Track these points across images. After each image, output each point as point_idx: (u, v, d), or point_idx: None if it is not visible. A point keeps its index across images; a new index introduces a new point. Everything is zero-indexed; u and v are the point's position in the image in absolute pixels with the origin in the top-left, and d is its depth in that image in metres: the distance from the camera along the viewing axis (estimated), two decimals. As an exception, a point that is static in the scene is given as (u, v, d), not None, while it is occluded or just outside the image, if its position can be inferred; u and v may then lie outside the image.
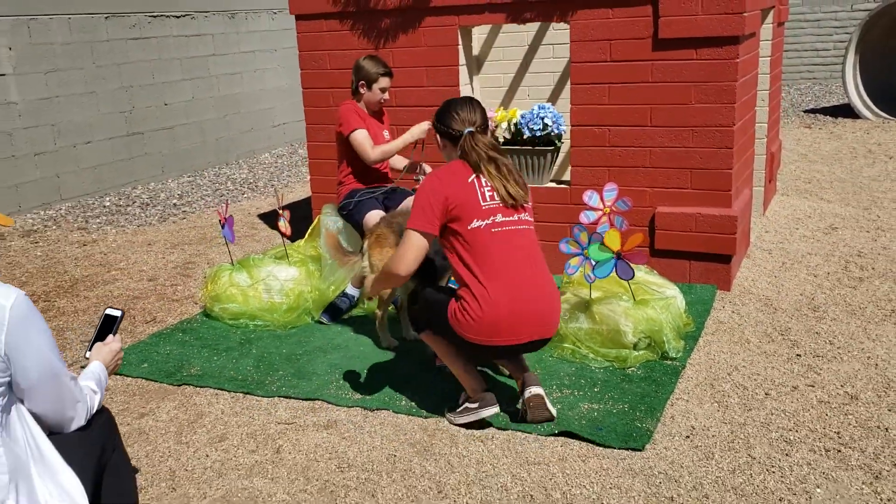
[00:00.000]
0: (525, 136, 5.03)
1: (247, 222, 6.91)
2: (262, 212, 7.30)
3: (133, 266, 5.73)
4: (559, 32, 7.10)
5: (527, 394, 3.24)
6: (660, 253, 4.74)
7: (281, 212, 4.77)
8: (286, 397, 3.62)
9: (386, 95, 4.69)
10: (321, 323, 4.51)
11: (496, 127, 5.08)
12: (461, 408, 3.28)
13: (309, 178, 5.69)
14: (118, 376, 3.93)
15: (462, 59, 5.09)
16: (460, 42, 5.04)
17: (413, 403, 3.48)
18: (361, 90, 4.67)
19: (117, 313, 2.34)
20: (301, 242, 5.07)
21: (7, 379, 1.76)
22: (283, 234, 4.78)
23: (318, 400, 3.57)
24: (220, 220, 4.81)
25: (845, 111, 10.76)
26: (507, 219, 3.14)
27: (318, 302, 4.60)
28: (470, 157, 3.20)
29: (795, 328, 4.11)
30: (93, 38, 7.69)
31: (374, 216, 4.51)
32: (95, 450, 2.01)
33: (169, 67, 8.63)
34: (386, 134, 4.81)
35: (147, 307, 4.90)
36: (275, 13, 10.36)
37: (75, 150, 7.62)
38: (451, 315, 3.17)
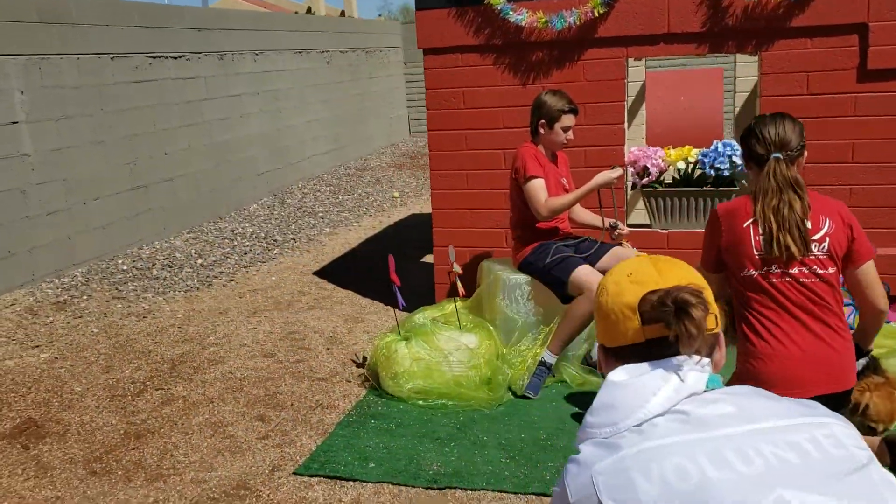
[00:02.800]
0: (696, 176, 4.61)
1: (312, 282, 6.14)
2: (314, 269, 6.53)
3: (228, 340, 4.88)
4: (631, 70, 6.79)
5: None
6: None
7: (458, 270, 4.13)
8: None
9: (570, 135, 4.14)
10: (525, 398, 3.90)
11: (668, 167, 4.63)
12: None
13: (433, 228, 5.05)
14: (356, 482, 3.18)
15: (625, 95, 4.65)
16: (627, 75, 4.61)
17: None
18: (541, 130, 4.11)
19: None
20: (462, 303, 4.42)
21: None
22: (460, 295, 4.14)
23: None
24: (396, 285, 4.10)
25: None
26: (784, 269, 2.63)
27: (514, 371, 4.00)
28: (761, 190, 2.66)
29: None
30: (100, 80, 6.75)
31: (584, 272, 3.93)
32: None
33: (168, 112, 7.73)
34: (565, 182, 4.25)
35: (297, 391, 4.11)
36: (257, 54, 9.59)
37: (86, 207, 6.61)
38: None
